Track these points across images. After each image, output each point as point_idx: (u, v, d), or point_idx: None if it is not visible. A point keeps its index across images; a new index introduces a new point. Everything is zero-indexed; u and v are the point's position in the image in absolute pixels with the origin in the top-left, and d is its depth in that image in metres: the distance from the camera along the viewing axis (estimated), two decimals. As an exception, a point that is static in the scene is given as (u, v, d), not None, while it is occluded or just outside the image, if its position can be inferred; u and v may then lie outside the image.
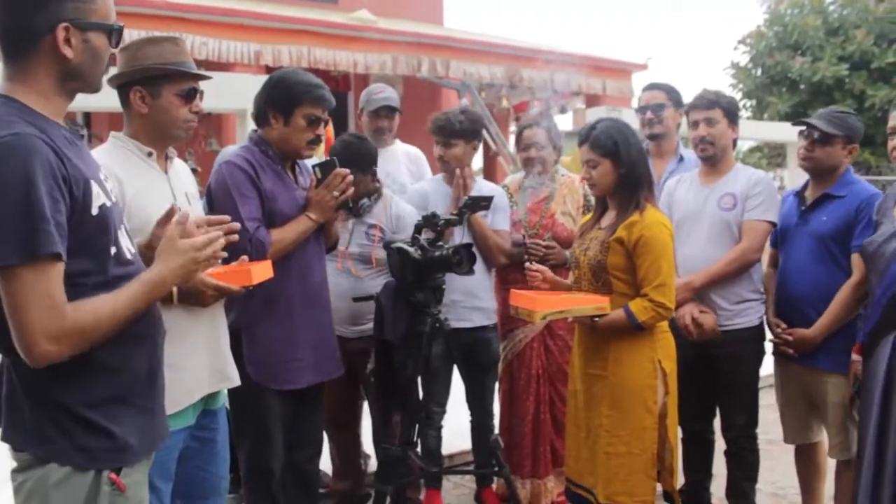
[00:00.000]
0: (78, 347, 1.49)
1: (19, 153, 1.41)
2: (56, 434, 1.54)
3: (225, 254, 1.78)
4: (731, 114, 3.19)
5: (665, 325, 2.73)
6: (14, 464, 1.60)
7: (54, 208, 1.44)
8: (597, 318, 2.64)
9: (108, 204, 1.59)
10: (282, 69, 2.80)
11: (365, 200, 3.21)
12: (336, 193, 2.64)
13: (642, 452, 2.62)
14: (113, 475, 1.58)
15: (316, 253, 2.73)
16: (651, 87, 3.79)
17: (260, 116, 2.67)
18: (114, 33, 1.62)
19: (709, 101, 3.18)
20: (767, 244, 3.25)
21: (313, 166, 2.72)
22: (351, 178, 2.68)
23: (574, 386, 2.83)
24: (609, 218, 2.77)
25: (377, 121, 3.80)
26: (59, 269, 1.46)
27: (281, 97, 2.61)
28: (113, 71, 2.23)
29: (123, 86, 2.18)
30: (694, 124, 3.21)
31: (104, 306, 1.52)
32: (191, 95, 2.21)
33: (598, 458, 2.67)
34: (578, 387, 2.79)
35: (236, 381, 2.36)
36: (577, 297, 2.71)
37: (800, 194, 3.12)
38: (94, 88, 1.64)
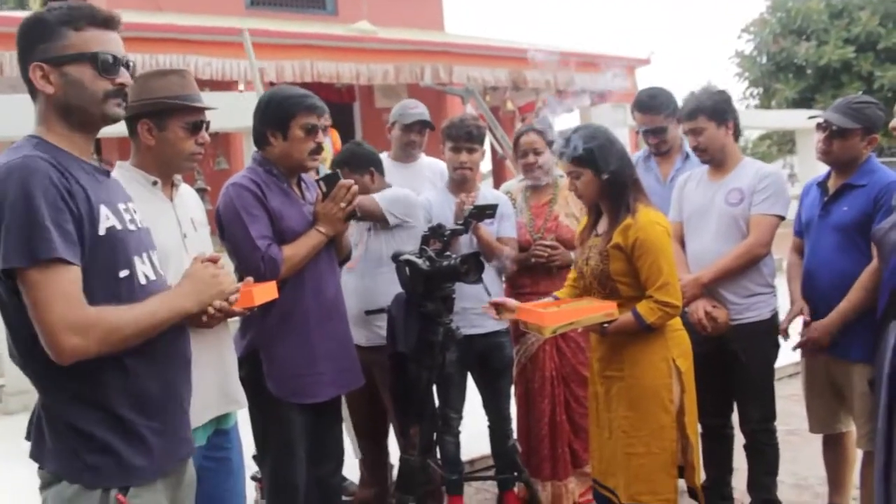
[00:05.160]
0: (103, 343, 1.55)
1: (21, 171, 1.53)
2: (66, 452, 1.61)
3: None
4: (719, 113, 3.10)
5: (678, 322, 2.72)
6: (39, 481, 1.69)
7: (57, 217, 1.53)
8: (606, 325, 2.64)
9: (119, 227, 1.66)
10: (272, 88, 2.84)
11: None
12: (343, 205, 2.67)
13: (662, 451, 2.62)
14: (120, 496, 1.62)
15: (328, 266, 2.75)
16: (646, 109, 3.60)
17: (259, 138, 2.70)
18: (97, 61, 1.65)
19: (690, 111, 3.14)
20: (791, 232, 3.23)
21: (317, 180, 2.74)
22: (356, 188, 2.70)
23: (594, 388, 2.84)
24: (604, 224, 2.76)
25: (410, 135, 3.82)
26: (73, 272, 1.55)
27: (275, 114, 2.64)
28: None
29: (131, 118, 2.23)
30: (685, 133, 3.23)
31: (126, 309, 1.61)
32: (197, 128, 2.26)
33: (619, 458, 2.68)
34: (598, 389, 2.80)
35: (243, 403, 2.39)
36: (584, 306, 2.70)
37: (822, 184, 3.06)
38: (93, 116, 1.68)
